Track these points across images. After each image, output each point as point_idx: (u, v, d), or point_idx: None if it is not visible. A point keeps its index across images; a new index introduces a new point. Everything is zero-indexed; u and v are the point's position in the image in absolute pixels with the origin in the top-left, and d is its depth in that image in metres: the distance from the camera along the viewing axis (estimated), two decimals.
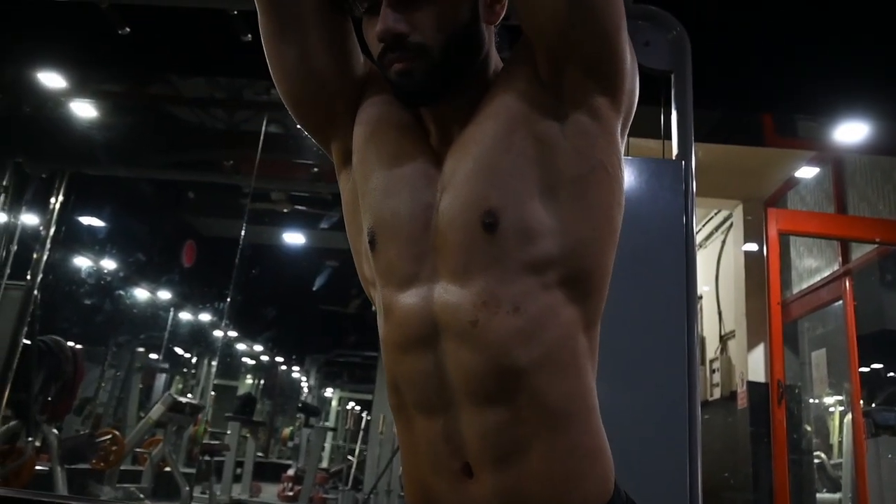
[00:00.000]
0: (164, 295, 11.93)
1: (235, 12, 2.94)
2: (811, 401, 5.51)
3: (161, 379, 13.04)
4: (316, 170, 5.23)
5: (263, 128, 4.93)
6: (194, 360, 14.50)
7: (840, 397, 5.30)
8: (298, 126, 1.07)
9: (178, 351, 13.98)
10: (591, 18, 0.84)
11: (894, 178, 4.62)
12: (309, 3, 0.96)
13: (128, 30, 3.13)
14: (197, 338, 13.66)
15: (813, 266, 5.40)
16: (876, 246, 4.64)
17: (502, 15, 0.96)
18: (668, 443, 1.80)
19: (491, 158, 0.86)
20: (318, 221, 7.44)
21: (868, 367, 5.19)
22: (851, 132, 3.88)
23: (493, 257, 0.84)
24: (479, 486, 0.85)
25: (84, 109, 5.55)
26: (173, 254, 8.15)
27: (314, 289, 9.75)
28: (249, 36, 2.98)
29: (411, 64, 0.88)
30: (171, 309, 11.96)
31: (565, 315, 0.86)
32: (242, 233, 5.77)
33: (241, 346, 15.05)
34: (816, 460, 5.33)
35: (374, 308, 1.00)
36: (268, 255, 9.17)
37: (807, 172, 5.16)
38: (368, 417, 7.43)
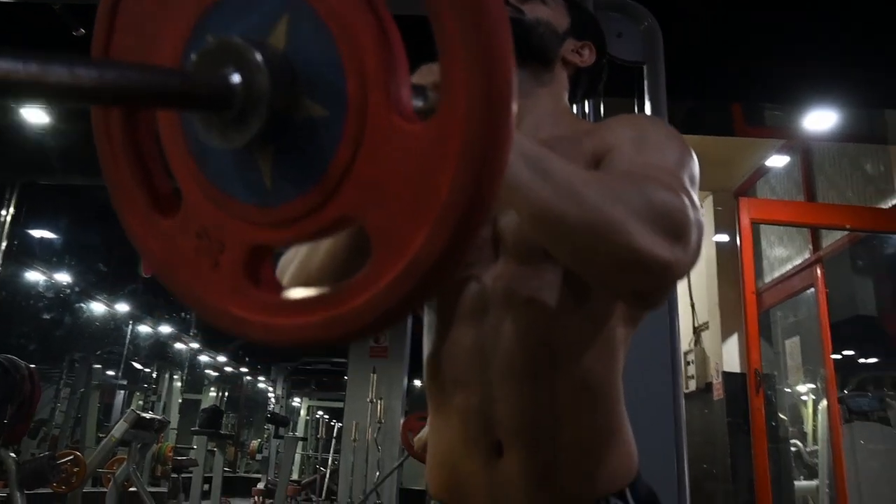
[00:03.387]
0: (123, 308, 11.56)
1: None
2: (786, 389, 5.54)
3: (120, 396, 12.66)
4: None
5: None
6: (155, 374, 14.10)
7: (813, 385, 5.34)
8: None
9: (138, 366, 13.59)
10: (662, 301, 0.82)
11: (862, 165, 4.66)
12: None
13: (83, 31, 2.97)
14: (158, 351, 13.29)
15: (784, 255, 5.43)
16: (847, 233, 4.68)
17: (580, 63, 1.05)
18: (654, 433, 1.83)
19: None
20: None
21: (841, 353, 5.24)
22: (820, 120, 3.90)
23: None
24: (509, 463, 0.87)
25: (36, 116, 5.28)
26: (131, 265, 7.85)
27: None
28: None
29: (521, 15, 0.99)
30: (130, 322, 11.60)
31: (611, 304, 0.91)
32: None
33: (203, 358, 14.69)
34: (793, 448, 5.36)
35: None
36: None
37: (777, 161, 5.19)
38: (340, 425, 7.29)
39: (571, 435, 0.87)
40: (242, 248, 0.50)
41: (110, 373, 12.81)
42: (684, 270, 0.75)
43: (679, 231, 0.72)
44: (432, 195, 0.43)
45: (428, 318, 0.99)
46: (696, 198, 0.77)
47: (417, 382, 12.35)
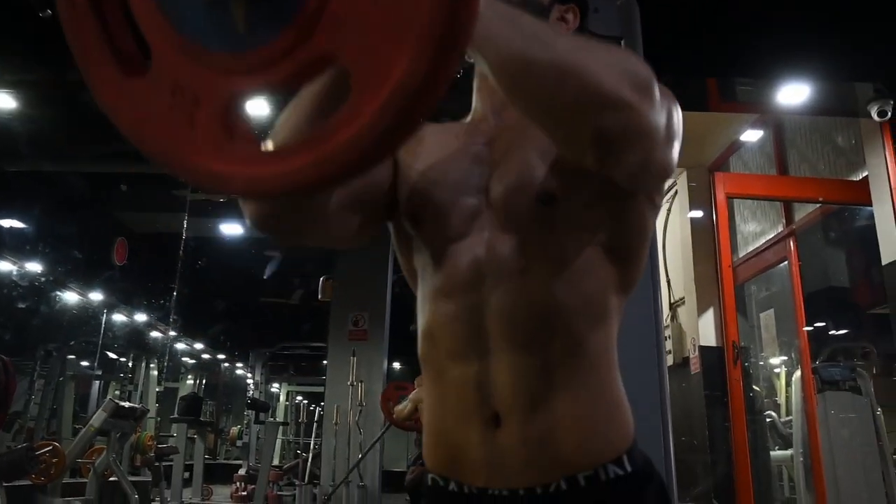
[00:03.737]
0: (96, 297, 11.38)
1: None
2: (761, 362, 5.64)
3: (96, 386, 12.50)
4: None
5: None
6: (131, 363, 13.94)
7: (786, 357, 5.44)
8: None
9: (113, 356, 13.42)
10: (643, 176, 0.87)
11: (833, 138, 4.73)
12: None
13: (49, 12, 2.89)
14: (133, 340, 13.13)
15: (757, 230, 5.50)
16: (819, 206, 4.75)
17: (566, 29, 1.03)
18: (640, 407, 1.84)
19: (546, 148, 0.91)
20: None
21: (813, 325, 5.33)
22: (794, 94, 3.94)
23: (545, 219, 0.90)
24: (506, 434, 0.87)
25: (2, 100, 5.13)
26: (104, 252, 7.73)
27: (264, 278, 9.46)
28: None
29: None
30: (105, 311, 11.43)
31: (604, 272, 0.92)
32: (185, 224, 5.48)
33: (180, 346, 14.55)
34: (768, 419, 5.47)
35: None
36: (205, 248, 8.82)
37: (751, 136, 5.23)
38: (321, 410, 7.28)
39: (568, 403, 0.88)
40: (218, 101, 0.50)
41: (85, 363, 12.63)
42: (647, 123, 0.76)
43: (644, 85, 0.75)
44: (413, 17, 0.43)
45: (422, 292, 0.98)
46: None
47: (397, 365, 12.38)
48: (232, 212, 7.45)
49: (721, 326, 5.25)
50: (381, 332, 7.36)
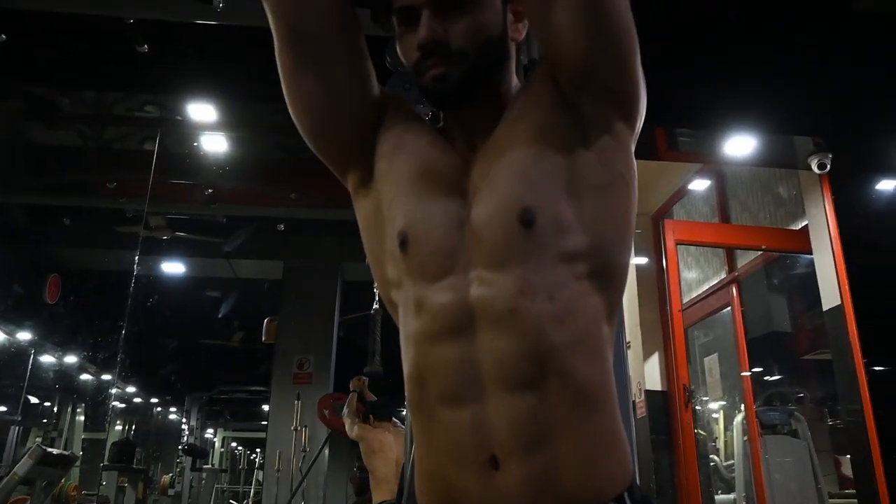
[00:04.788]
0: (24, 336, 10.78)
1: (131, 21, 2.69)
2: (705, 406, 5.73)
3: (14, 433, 11.78)
4: (210, 191, 4.87)
5: (156, 146, 4.49)
6: (56, 408, 13.20)
7: (723, 402, 5.54)
8: (315, 150, 1.08)
9: (35, 400, 12.69)
10: (611, 50, 0.92)
11: (773, 189, 4.92)
12: (333, 32, 1.00)
13: (146, 48, 2.81)
14: (60, 383, 12.46)
15: (699, 277, 5.65)
16: (760, 253, 4.92)
17: (524, 34, 1.06)
18: None
19: (524, 163, 0.93)
20: (201, 248, 7.01)
21: (756, 369, 5.45)
22: (740, 145, 4.09)
23: (530, 250, 0.89)
24: (506, 476, 0.86)
25: None
26: (35, 290, 7.37)
27: (204, 319, 9.16)
28: (146, 46, 2.72)
29: (448, 68, 0.95)
30: (31, 352, 10.85)
31: (592, 303, 0.92)
32: (136, 260, 5.26)
33: (112, 389, 13.88)
34: (711, 463, 5.53)
35: (395, 314, 1.04)
36: (144, 288, 8.51)
37: (697, 185, 5.41)
38: (260, 459, 7.06)
39: (568, 442, 0.86)
40: None
41: (2, 408, 11.90)
42: (639, 84, 0.96)
43: None
44: None
45: (405, 330, 0.97)
46: None
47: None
48: (173, 250, 7.24)
49: (667, 371, 5.33)
50: (327, 375, 7.23)
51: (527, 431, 0.86)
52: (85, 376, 12.29)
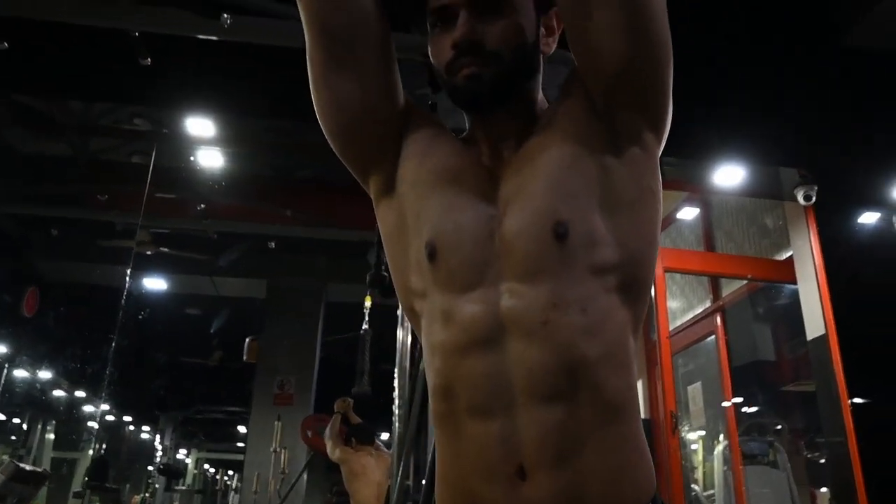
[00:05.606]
0: None
1: (136, 33, 2.69)
2: (686, 435, 5.74)
3: None
4: (202, 206, 4.82)
5: (152, 160, 4.43)
6: (26, 426, 12.90)
7: (702, 432, 5.56)
8: (339, 157, 1.08)
9: (2, 416, 12.38)
10: (648, 64, 0.94)
11: (759, 219, 5.00)
12: (365, 34, 1.00)
13: (149, 61, 2.81)
14: (32, 399, 12.18)
15: (684, 305, 5.70)
16: (745, 282, 4.98)
17: (553, 49, 1.06)
18: None
19: (557, 175, 0.94)
20: (185, 265, 6.94)
21: (739, 398, 5.49)
22: (729, 175, 4.16)
23: (562, 263, 0.90)
24: (533, 487, 0.86)
25: None
26: (12, 303, 7.23)
27: (182, 336, 9.03)
28: (150, 60, 2.73)
29: (482, 69, 0.95)
30: (5, 367, 10.61)
31: (621, 316, 0.93)
32: (128, 275, 5.18)
33: (87, 408, 13.60)
34: (692, 492, 5.53)
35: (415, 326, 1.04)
36: (126, 302, 8.38)
37: (685, 214, 5.48)
38: (237, 483, 6.95)
39: (596, 454, 0.87)
40: None
41: None
42: (670, 98, 0.99)
43: None
44: None
45: (430, 343, 0.96)
46: None
47: None
48: (156, 266, 7.16)
49: (650, 398, 5.34)
50: (308, 397, 7.16)
51: (556, 443, 0.86)
52: (58, 392, 12.03)
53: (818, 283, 3.94)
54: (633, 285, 0.95)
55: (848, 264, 3.91)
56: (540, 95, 1.07)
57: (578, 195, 0.93)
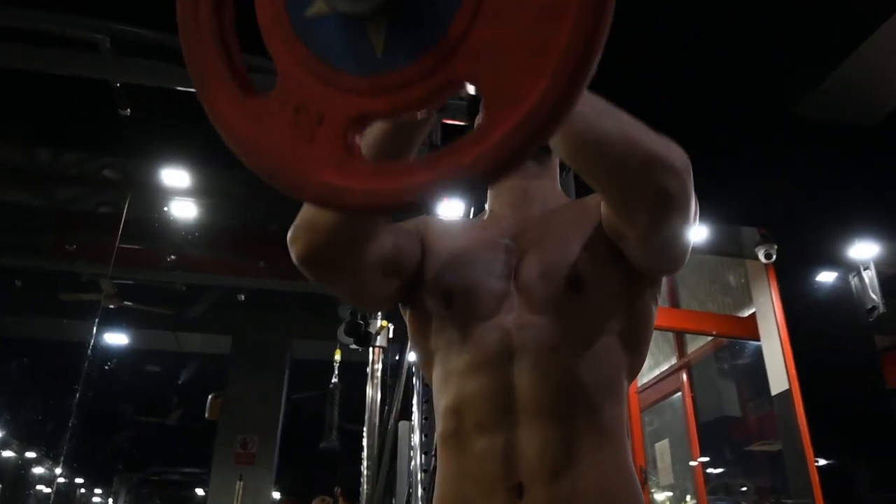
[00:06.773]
0: None
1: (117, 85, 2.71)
2: (658, 495, 5.71)
3: None
4: (173, 258, 4.76)
5: (125, 210, 4.37)
6: None
7: (670, 493, 5.54)
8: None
9: None
10: (669, 267, 1.01)
11: (721, 277, 5.12)
12: (352, 258, 0.97)
13: (128, 112, 2.82)
14: None
15: (650, 362, 5.75)
16: (710, 339, 5.06)
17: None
18: None
19: (574, 238, 1.02)
20: (147, 320, 6.80)
21: (708, 456, 5.50)
22: (693, 233, 4.27)
23: (574, 308, 0.98)
24: (530, 503, 0.90)
25: None
26: None
27: (140, 394, 8.75)
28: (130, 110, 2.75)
29: None
30: None
31: (620, 360, 1.01)
32: (94, 331, 5.03)
33: (38, 470, 12.98)
34: None
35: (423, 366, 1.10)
36: (78, 358, 8.13)
37: None
38: None
39: (590, 474, 0.92)
40: (343, 119, 0.52)
41: None
42: (691, 190, 0.88)
43: (687, 162, 0.87)
44: (551, 44, 0.46)
45: (444, 369, 1.02)
46: None
47: (276, 495, 11.51)
48: (116, 319, 6.99)
49: None
50: (271, 457, 6.97)
51: (553, 460, 0.91)
52: (7, 453, 11.48)
53: (780, 339, 4.04)
54: (632, 338, 1.03)
55: (808, 321, 4.02)
56: (557, 186, 1.17)
57: (592, 255, 1.00)
